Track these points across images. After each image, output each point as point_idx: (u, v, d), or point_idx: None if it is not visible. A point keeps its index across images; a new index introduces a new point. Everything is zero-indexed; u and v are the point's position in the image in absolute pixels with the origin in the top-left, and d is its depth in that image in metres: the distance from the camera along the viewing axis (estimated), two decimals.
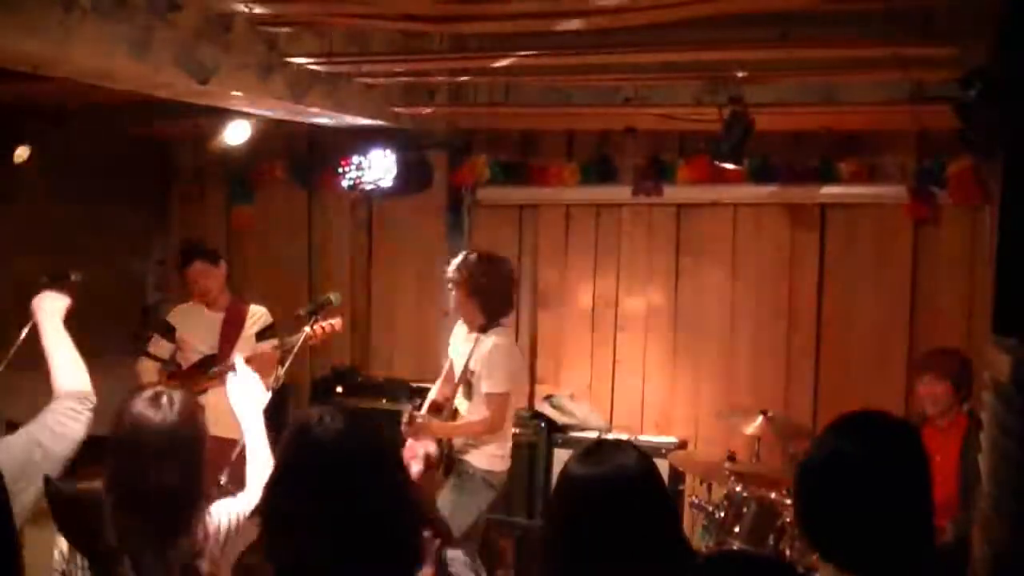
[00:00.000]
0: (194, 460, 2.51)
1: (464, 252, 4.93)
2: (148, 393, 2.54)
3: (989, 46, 3.04)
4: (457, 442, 4.75)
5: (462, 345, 4.85)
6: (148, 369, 5.23)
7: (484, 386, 4.64)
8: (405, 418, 4.69)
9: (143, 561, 2.40)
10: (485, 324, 4.74)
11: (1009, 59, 2.86)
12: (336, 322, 4.94)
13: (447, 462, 4.74)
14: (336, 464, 1.99)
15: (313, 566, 1.93)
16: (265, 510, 2.06)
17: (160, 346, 5.30)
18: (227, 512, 2.62)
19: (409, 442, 4.69)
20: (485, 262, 4.75)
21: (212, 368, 5.11)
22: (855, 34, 3.82)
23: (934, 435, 4.45)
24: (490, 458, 4.71)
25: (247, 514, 2.60)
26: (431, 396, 5.00)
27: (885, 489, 1.91)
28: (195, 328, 5.26)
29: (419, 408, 4.87)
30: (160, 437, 2.45)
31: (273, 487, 2.05)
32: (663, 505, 2.17)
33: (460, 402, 4.81)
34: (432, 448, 4.68)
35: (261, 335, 5.24)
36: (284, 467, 2.07)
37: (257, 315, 5.30)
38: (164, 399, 2.51)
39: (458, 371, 4.84)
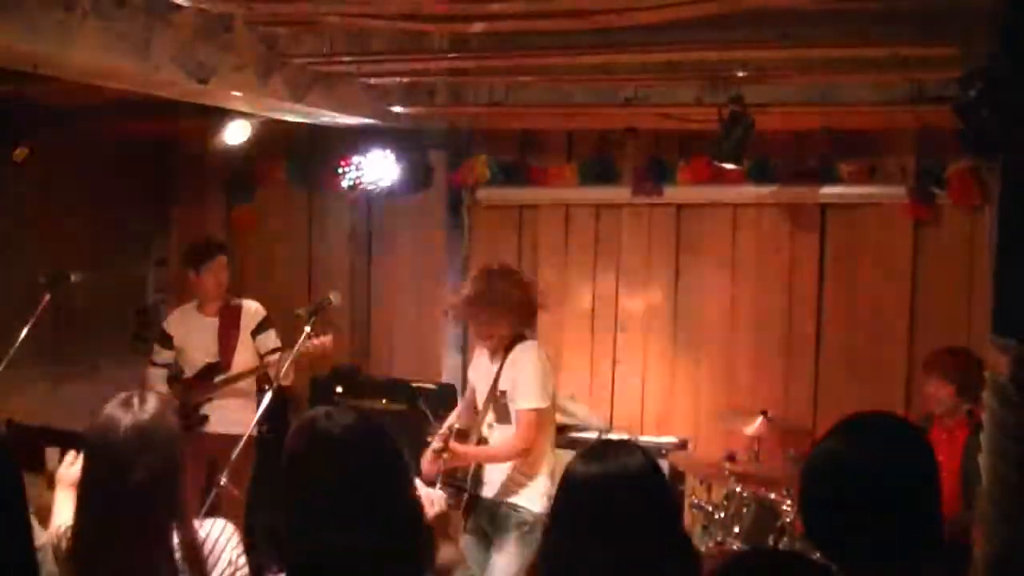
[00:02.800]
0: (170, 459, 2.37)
1: (479, 268, 4.47)
2: (120, 396, 2.41)
3: (989, 46, 3.04)
4: (501, 488, 4.21)
5: (486, 368, 4.38)
6: (155, 377, 5.24)
7: (517, 403, 4.18)
8: (437, 444, 4.21)
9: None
10: (511, 338, 4.30)
11: (1009, 59, 2.86)
12: (327, 339, 4.87)
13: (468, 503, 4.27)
14: (345, 457, 2.03)
15: (327, 559, 1.96)
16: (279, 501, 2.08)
17: (161, 355, 5.31)
18: (225, 536, 2.45)
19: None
20: (500, 274, 4.36)
21: (216, 378, 5.14)
22: (855, 34, 3.82)
23: (941, 435, 4.49)
24: (542, 498, 4.13)
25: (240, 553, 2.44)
26: (451, 423, 4.46)
27: (891, 490, 1.90)
28: (191, 337, 5.24)
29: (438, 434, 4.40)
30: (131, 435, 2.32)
31: (285, 480, 2.08)
32: (666, 504, 2.18)
33: (493, 429, 4.33)
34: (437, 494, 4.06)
35: (259, 329, 5.23)
36: (292, 460, 2.09)
37: (252, 311, 5.28)
38: (135, 400, 2.39)
39: (482, 396, 4.37)
